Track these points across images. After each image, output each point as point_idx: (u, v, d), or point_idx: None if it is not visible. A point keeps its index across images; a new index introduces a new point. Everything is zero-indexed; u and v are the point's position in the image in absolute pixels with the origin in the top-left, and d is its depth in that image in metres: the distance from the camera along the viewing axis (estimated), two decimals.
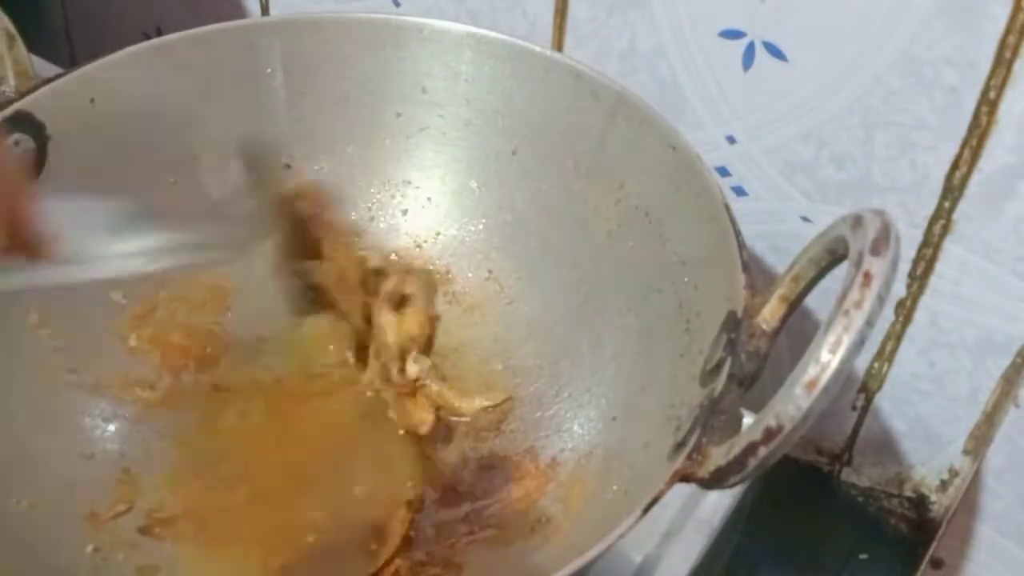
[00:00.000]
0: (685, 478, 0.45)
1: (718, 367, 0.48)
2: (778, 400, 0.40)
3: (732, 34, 0.63)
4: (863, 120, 0.61)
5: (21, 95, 0.61)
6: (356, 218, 0.70)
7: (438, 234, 0.69)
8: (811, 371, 0.40)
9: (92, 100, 0.63)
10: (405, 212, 0.70)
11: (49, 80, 0.62)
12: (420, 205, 0.69)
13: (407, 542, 0.57)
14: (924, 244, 0.63)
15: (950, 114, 0.59)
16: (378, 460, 0.61)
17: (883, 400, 0.70)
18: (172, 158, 0.66)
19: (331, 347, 0.66)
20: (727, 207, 0.53)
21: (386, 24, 0.67)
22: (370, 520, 0.58)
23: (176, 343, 0.65)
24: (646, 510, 0.44)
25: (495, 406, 0.62)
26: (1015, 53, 0.55)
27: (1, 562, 0.52)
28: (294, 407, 0.64)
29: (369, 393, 0.64)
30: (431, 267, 0.69)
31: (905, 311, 0.66)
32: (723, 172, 0.68)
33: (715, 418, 0.46)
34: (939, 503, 0.72)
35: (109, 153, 0.64)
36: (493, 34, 0.65)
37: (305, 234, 0.65)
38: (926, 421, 0.69)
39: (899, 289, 0.65)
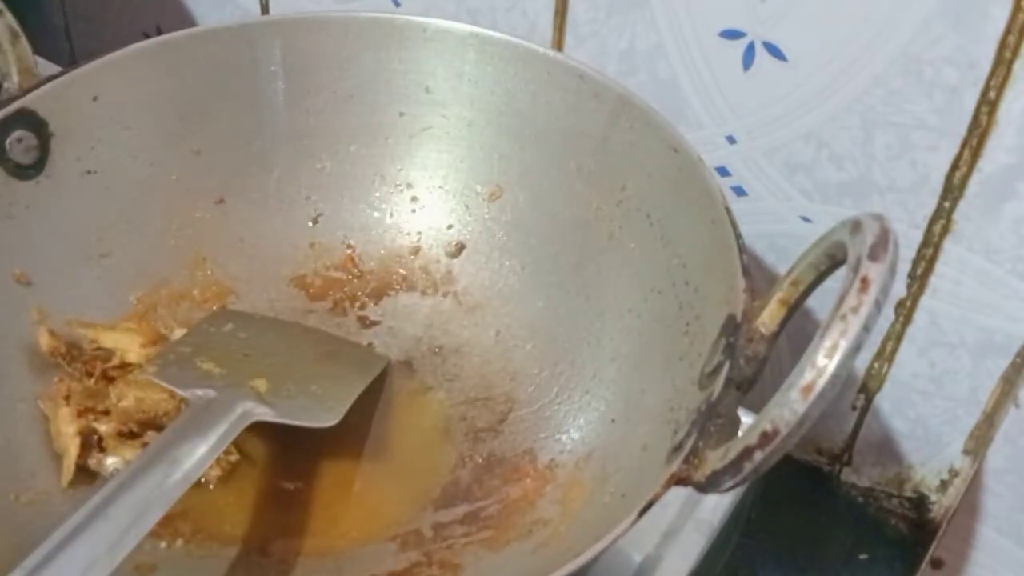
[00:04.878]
0: (681, 482, 0.45)
1: (716, 371, 0.48)
2: (774, 404, 0.40)
3: (732, 34, 0.63)
4: (863, 120, 0.61)
5: (24, 92, 0.61)
6: (357, 217, 0.70)
7: (440, 234, 0.69)
8: (807, 376, 0.40)
9: (95, 98, 0.63)
10: (407, 211, 0.70)
11: (52, 77, 0.62)
12: (422, 205, 0.69)
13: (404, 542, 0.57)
14: (924, 244, 0.63)
15: (950, 114, 0.59)
16: (384, 460, 0.62)
17: (883, 400, 0.70)
18: (174, 155, 0.67)
19: None
20: (728, 210, 0.53)
21: (390, 23, 0.67)
22: (371, 521, 0.58)
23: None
24: (641, 513, 0.45)
25: None
26: (1015, 53, 0.55)
27: None
28: None
29: None
30: (432, 267, 0.69)
31: (905, 311, 0.66)
32: (723, 172, 0.68)
33: (712, 422, 0.46)
34: (939, 503, 0.72)
35: (110, 150, 0.64)
36: (497, 35, 0.65)
37: None
38: (926, 421, 0.69)
39: (899, 289, 0.65)
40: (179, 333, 0.65)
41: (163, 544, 0.56)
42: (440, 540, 0.57)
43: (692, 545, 0.61)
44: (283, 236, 0.69)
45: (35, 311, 0.61)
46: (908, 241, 0.63)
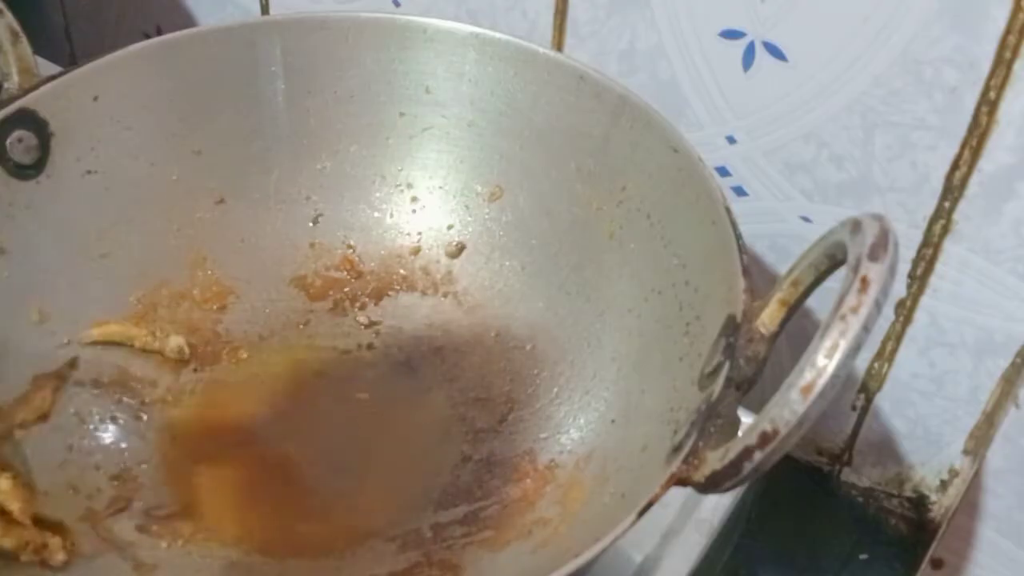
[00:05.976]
0: (680, 482, 0.45)
1: (716, 371, 0.48)
2: (774, 404, 0.40)
3: (732, 34, 0.63)
4: (863, 120, 0.61)
5: (24, 92, 0.61)
6: (358, 217, 0.70)
7: (440, 234, 0.69)
8: (807, 376, 0.40)
9: (95, 98, 0.63)
10: (407, 212, 0.70)
11: (52, 77, 0.62)
12: (422, 205, 0.69)
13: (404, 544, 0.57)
14: (924, 244, 0.63)
15: (950, 114, 0.59)
16: (384, 460, 0.62)
17: (883, 400, 0.70)
18: (174, 155, 0.67)
19: None
20: (728, 210, 0.53)
21: (390, 24, 0.67)
22: (371, 521, 0.58)
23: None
24: (641, 513, 0.44)
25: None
26: (1015, 53, 0.55)
27: None
28: (294, 405, 0.64)
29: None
30: (432, 267, 0.69)
31: (905, 311, 0.66)
32: (723, 172, 0.68)
33: (712, 422, 0.46)
34: (939, 503, 0.72)
35: (110, 150, 0.64)
36: (497, 35, 0.65)
37: None
38: (926, 421, 0.69)
39: (899, 289, 0.65)
40: (176, 340, 0.65)
41: (163, 544, 0.56)
42: (440, 540, 0.57)
43: (692, 545, 0.61)
44: (283, 236, 0.69)
45: (36, 311, 0.61)
46: (908, 241, 0.63)
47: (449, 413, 0.63)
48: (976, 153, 0.59)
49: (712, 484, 0.44)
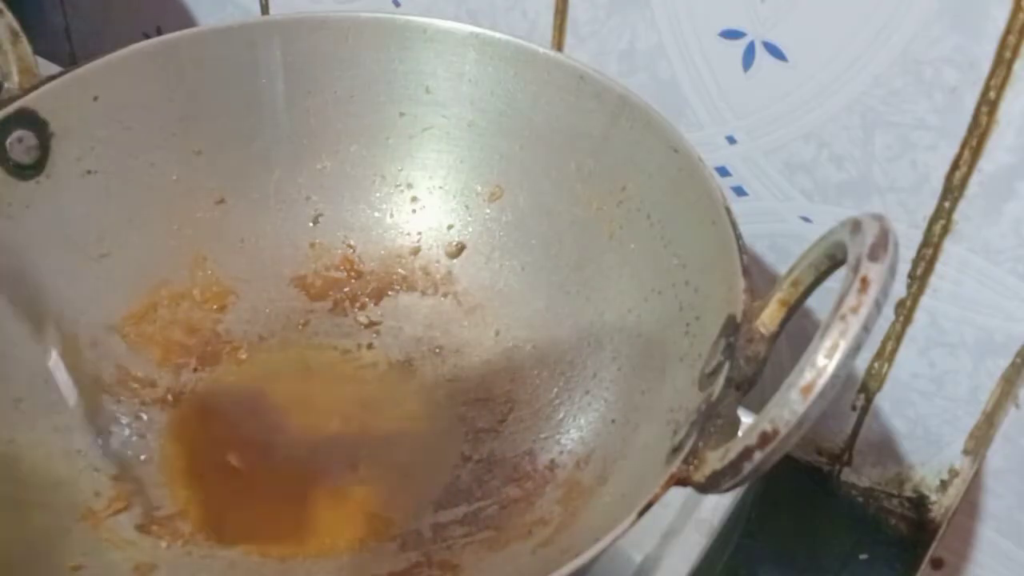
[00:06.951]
0: (680, 482, 0.45)
1: (716, 371, 0.48)
2: (774, 404, 0.40)
3: (732, 34, 0.63)
4: (863, 120, 0.61)
5: (24, 92, 0.61)
6: (358, 217, 0.70)
7: (440, 234, 0.69)
8: (807, 376, 0.40)
9: (95, 98, 0.63)
10: (407, 211, 0.70)
11: (52, 77, 0.62)
12: (422, 205, 0.69)
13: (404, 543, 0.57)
14: (924, 244, 0.63)
15: (950, 114, 0.59)
16: (384, 460, 0.62)
17: (883, 400, 0.70)
18: (174, 155, 0.67)
19: None
20: (728, 210, 0.53)
21: (390, 24, 0.67)
22: (371, 521, 0.58)
23: (177, 340, 0.65)
24: (641, 513, 0.44)
25: None
26: (1015, 53, 0.55)
27: None
28: (294, 405, 0.64)
29: None
30: (432, 267, 0.69)
31: (905, 311, 0.66)
32: (723, 172, 0.68)
33: (712, 422, 0.46)
34: (939, 503, 0.72)
35: (110, 150, 0.64)
36: (497, 35, 0.65)
37: None
38: (926, 421, 0.69)
39: (899, 289, 0.65)
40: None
41: (163, 544, 0.56)
42: (440, 540, 0.57)
43: (692, 545, 0.61)
44: (283, 236, 0.69)
45: (36, 311, 0.61)
46: (908, 241, 0.63)
47: (449, 413, 0.63)
48: (976, 153, 0.59)
49: (712, 484, 0.44)
